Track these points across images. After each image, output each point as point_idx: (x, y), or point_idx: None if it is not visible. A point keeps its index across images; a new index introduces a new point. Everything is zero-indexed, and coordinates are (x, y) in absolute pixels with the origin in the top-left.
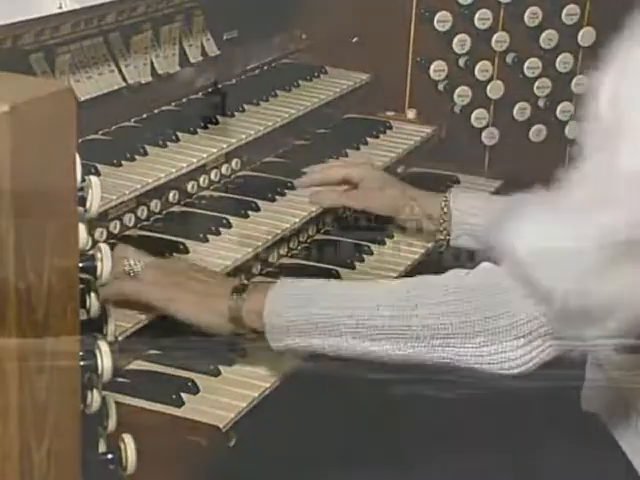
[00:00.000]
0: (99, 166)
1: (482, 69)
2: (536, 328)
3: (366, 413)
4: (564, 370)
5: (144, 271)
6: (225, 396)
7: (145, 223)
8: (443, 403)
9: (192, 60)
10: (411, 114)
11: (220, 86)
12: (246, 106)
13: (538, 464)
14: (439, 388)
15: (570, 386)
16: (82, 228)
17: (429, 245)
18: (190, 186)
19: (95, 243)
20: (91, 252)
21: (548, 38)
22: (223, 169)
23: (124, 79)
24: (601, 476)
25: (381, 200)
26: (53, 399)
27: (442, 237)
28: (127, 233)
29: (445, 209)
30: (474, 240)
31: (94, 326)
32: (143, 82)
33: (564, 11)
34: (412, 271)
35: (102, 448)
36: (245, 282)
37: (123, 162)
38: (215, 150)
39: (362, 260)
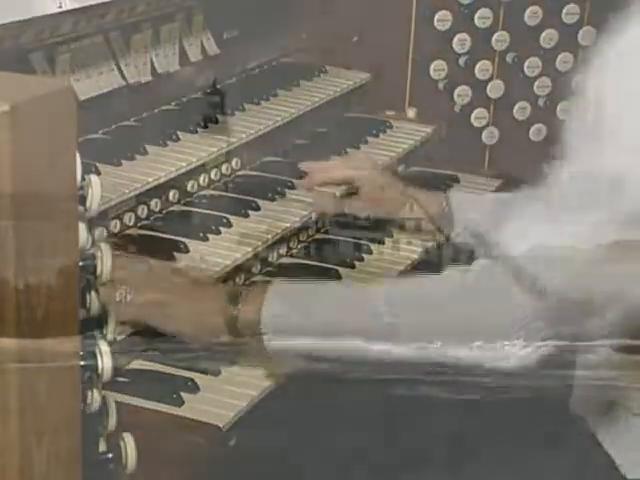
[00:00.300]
0: (99, 165)
1: (482, 68)
2: (533, 324)
3: (366, 413)
4: (553, 372)
5: (138, 291)
6: (225, 395)
7: (145, 222)
8: (440, 405)
9: (192, 59)
10: (411, 113)
11: (220, 86)
12: (246, 105)
13: (524, 467)
14: (437, 389)
15: (559, 391)
16: (82, 227)
17: (429, 244)
18: (190, 185)
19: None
20: (91, 251)
21: (548, 37)
22: (223, 168)
23: (124, 78)
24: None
25: (382, 204)
26: (53, 399)
27: (442, 234)
28: (127, 232)
29: (446, 207)
30: (474, 237)
31: (94, 325)
32: (143, 81)
33: (564, 10)
34: (412, 270)
35: (102, 447)
36: (238, 289)
37: (123, 161)
38: (215, 149)
39: (362, 259)
